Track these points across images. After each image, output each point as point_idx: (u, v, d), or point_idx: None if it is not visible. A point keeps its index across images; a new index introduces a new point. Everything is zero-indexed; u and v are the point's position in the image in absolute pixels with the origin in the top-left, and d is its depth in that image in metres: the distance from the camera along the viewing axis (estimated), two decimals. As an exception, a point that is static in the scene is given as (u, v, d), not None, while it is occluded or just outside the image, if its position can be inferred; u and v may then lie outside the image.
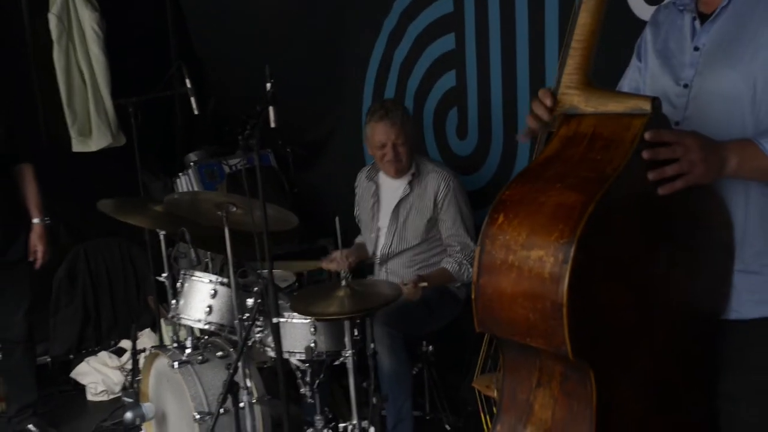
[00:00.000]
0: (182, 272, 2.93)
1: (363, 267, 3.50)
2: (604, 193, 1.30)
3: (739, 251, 1.58)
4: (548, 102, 1.52)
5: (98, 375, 4.01)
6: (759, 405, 1.60)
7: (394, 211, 3.20)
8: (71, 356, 4.24)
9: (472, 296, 1.45)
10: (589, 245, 1.29)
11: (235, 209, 2.66)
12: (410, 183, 3.17)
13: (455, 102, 3.63)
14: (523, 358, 1.49)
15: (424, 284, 2.90)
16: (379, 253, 3.28)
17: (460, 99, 3.59)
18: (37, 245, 3.41)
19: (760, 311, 1.57)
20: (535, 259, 1.34)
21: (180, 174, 4.46)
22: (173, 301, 2.95)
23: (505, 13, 3.27)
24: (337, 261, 3.20)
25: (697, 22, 1.62)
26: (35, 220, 3.43)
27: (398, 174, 3.20)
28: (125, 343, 4.20)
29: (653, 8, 2.55)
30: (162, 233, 3.13)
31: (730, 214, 1.56)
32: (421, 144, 3.85)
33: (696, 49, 1.61)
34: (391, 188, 3.25)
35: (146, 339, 4.11)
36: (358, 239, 3.49)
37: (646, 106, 1.40)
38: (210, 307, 2.81)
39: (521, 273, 1.36)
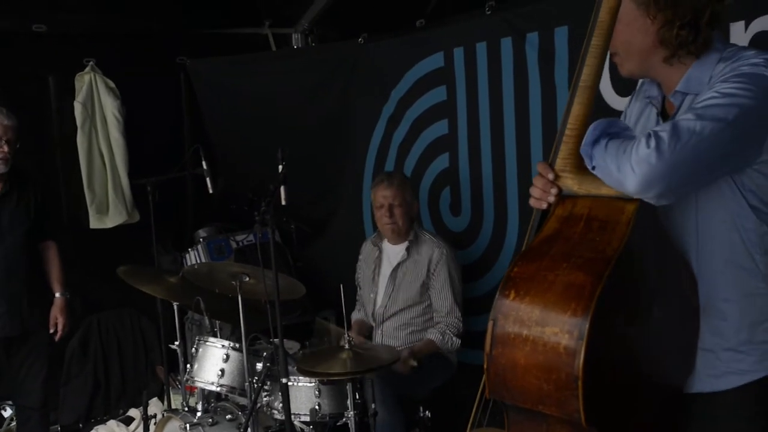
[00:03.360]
0: (197, 338, 3.13)
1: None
2: (609, 274, 1.45)
3: (703, 332, 1.70)
4: (551, 176, 1.63)
5: (106, 443, 4.13)
6: None
7: (391, 274, 3.46)
8: (80, 425, 4.35)
9: (484, 366, 1.57)
10: (599, 320, 1.41)
11: (248, 279, 2.88)
12: (408, 249, 3.43)
13: (449, 182, 3.90)
14: (529, 422, 1.59)
15: (414, 364, 3.14)
16: (375, 313, 3.50)
17: (453, 179, 3.86)
18: (58, 317, 3.60)
19: (716, 386, 1.70)
20: (550, 334, 1.44)
21: (189, 249, 4.70)
22: (188, 366, 3.13)
23: (494, 102, 3.58)
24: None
25: (660, 119, 1.76)
26: (57, 294, 3.63)
27: (395, 236, 3.46)
28: (133, 412, 4.32)
29: (624, 99, 2.88)
30: (176, 304, 3.34)
31: (698, 296, 1.70)
32: (418, 220, 4.10)
33: None
34: (392, 253, 3.51)
35: (153, 407, 4.23)
36: (354, 315, 3.70)
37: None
38: (222, 370, 3.00)
39: (535, 347, 1.47)
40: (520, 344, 1.50)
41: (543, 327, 1.47)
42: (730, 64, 1.58)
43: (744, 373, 1.67)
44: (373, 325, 3.56)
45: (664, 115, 1.76)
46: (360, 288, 3.72)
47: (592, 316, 1.41)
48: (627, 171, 1.47)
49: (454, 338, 3.33)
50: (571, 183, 1.62)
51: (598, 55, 1.61)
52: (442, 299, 3.37)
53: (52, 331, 3.59)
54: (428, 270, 3.38)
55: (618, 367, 1.54)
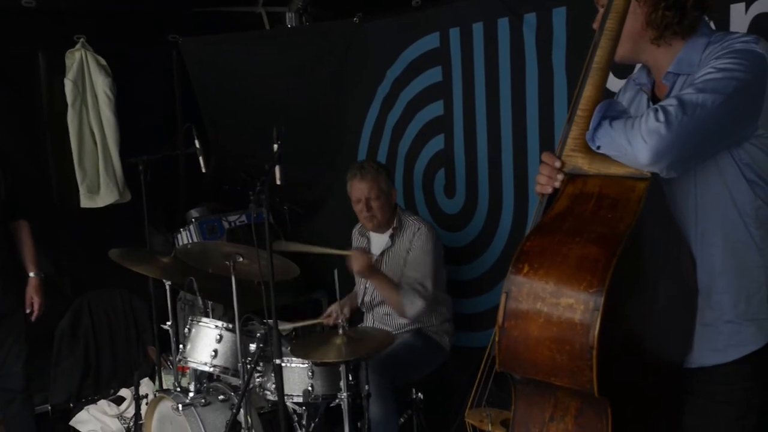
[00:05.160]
0: (190, 318, 3.12)
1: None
2: (622, 248, 1.48)
3: (702, 307, 1.74)
4: (557, 164, 1.68)
5: (97, 423, 4.11)
6: None
7: (376, 262, 3.42)
8: (71, 405, 4.35)
9: (496, 339, 1.58)
10: (613, 293, 1.44)
11: (241, 259, 2.86)
12: (392, 236, 3.39)
13: (443, 163, 3.88)
14: (538, 395, 1.63)
15: (373, 259, 3.17)
16: (367, 302, 3.48)
17: (449, 161, 3.84)
18: (34, 297, 3.56)
19: (718, 359, 1.74)
20: (565, 306, 1.48)
21: (181, 229, 4.67)
22: (180, 346, 3.12)
23: (490, 83, 3.55)
24: (333, 315, 3.39)
25: (651, 104, 1.80)
26: (31, 274, 3.58)
27: (376, 229, 3.42)
28: (124, 392, 4.32)
29: (622, 81, 2.86)
30: (168, 283, 3.32)
31: (696, 277, 1.74)
32: (412, 202, 4.08)
33: None
34: (378, 242, 3.47)
35: (145, 388, 4.22)
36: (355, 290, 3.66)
37: (647, 171, 1.59)
38: (215, 351, 2.99)
39: (549, 318, 1.49)
40: (534, 316, 1.52)
41: (557, 299, 1.50)
42: (720, 44, 1.65)
43: (745, 344, 1.72)
44: (363, 311, 3.54)
45: (654, 99, 1.81)
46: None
47: (608, 288, 1.45)
48: (638, 143, 1.54)
49: (417, 300, 3.19)
50: (581, 162, 1.66)
51: (612, 38, 1.66)
52: (415, 270, 3.26)
53: (28, 311, 3.55)
54: (408, 250, 3.33)
55: (627, 341, 1.58)
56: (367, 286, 3.49)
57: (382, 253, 3.42)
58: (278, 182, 2.60)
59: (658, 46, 1.74)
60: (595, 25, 1.74)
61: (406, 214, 3.48)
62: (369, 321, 3.50)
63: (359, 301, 3.56)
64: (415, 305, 3.20)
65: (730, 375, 1.74)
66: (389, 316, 3.42)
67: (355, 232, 3.64)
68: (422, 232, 3.31)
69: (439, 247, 3.39)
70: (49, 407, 4.32)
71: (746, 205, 1.69)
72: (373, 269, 3.20)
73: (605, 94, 1.69)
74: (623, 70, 2.84)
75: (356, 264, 3.15)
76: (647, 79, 1.85)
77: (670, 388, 1.78)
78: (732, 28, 2.56)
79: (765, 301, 1.72)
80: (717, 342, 1.73)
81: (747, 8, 2.52)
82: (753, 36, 1.66)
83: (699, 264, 1.73)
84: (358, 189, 3.34)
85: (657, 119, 1.53)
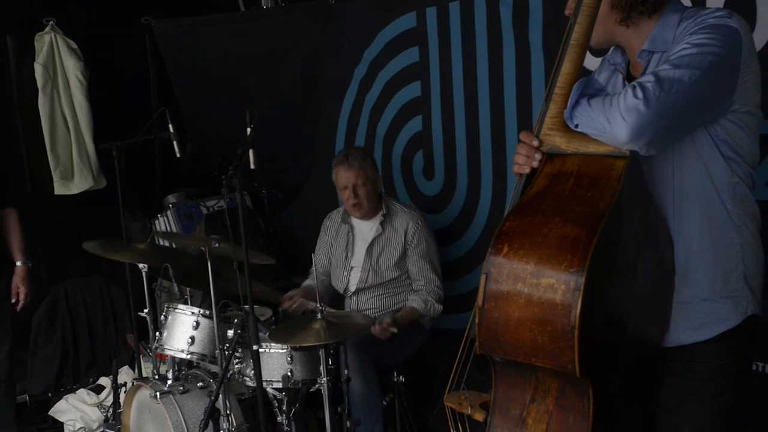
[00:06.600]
0: (166, 305, 3.07)
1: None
2: (603, 227, 1.46)
3: (679, 286, 1.75)
4: (535, 143, 1.68)
5: (77, 412, 4.06)
6: (693, 416, 1.78)
7: (368, 249, 3.39)
8: (50, 394, 4.30)
9: (475, 321, 1.56)
10: (594, 272, 1.43)
11: (217, 245, 2.82)
12: (382, 223, 3.37)
13: (422, 145, 3.85)
14: (519, 376, 1.63)
15: (394, 330, 3.09)
16: (353, 289, 3.45)
17: (427, 142, 3.81)
18: (20, 287, 3.51)
19: (695, 337, 1.74)
20: (546, 286, 1.46)
21: (159, 215, 4.61)
22: (157, 333, 3.08)
23: (467, 62, 3.52)
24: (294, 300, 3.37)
25: (626, 83, 1.79)
26: (18, 263, 3.53)
27: (363, 216, 3.40)
28: (103, 381, 4.27)
29: (599, 60, 2.84)
30: (144, 270, 3.27)
31: (673, 255, 1.74)
32: (390, 184, 4.05)
33: None
34: (365, 228, 3.44)
35: (124, 376, 4.19)
36: (307, 282, 3.57)
37: (626, 149, 1.57)
38: (192, 338, 2.95)
39: (530, 299, 1.48)
40: (514, 297, 1.51)
41: (538, 279, 1.48)
42: (694, 20, 1.65)
43: (721, 321, 1.72)
44: (347, 297, 3.50)
45: (629, 79, 1.80)
46: (315, 264, 3.60)
47: (588, 267, 1.43)
48: (618, 121, 1.54)
49: (436, 305, 3.32)
50: (559, 141, 1.65)
51: (589, 14, 1.64)
52: (421, 269, 3.34)
53: (14, 300, 3.50)
54: (405, 242, 3.34)
55: (608, 322, 1.57)
56: (346, 273, 3.46)
57: (372, 242, 3.38)
58: (252, 166, 2.56)
59: (628, 27, 1.73)
60: (568, 12, 1.72)
61: (392, 200, 3.48)
62: (352, 303, 3.47)
63: (342, 289, 3.51)
64: (435, 310, 3.34)
65: (706, 353, 1.74)
66: (373, 299, 3.41)
67: (335, 218, 3.58)
68: (420, 227, 3.34)
69: (433, 234, 3.42)
70: (27, 397, 4.27)
71: (723, 183, 1.69)
72: (395, 324, 3.15)
73: (583, 72, 1.67)
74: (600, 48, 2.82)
75: (385, 334, 3.11)
76: (622, 59, 1.84)
77: (649, 368, 1.79)
78: (708, 5, 2.53)
79: (741, 279, 1.72)
80: (693, 320, 1.74)
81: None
82: (726, 11, 1.65)
83: (676, 242, 1.73)
84: (345, 176, 3.32)
85: (635, 96, 1.52)
